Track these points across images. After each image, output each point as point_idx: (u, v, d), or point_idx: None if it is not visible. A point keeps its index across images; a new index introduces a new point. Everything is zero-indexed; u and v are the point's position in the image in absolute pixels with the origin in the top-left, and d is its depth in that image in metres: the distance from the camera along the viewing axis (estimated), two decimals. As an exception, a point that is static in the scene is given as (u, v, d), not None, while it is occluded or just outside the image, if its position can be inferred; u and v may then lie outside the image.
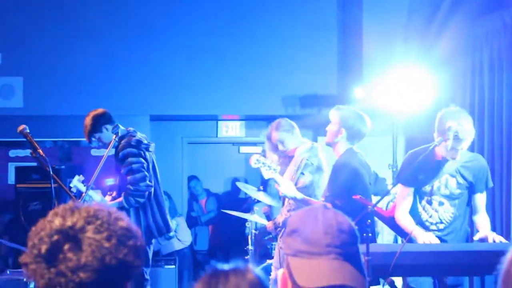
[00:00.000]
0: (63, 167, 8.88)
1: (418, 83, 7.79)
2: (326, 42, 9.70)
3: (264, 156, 5.63)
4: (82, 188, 6.18)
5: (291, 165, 6.17)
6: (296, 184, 5.86)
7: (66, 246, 1.68)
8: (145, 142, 6.58)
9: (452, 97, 7.87)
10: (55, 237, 1.69)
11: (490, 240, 5.02)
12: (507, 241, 5.16)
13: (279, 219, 6.26)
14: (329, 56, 9.71)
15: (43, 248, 1.69)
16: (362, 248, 4.15)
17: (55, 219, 1.73)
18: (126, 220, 1.81)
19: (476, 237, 5.16)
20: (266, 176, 5.66)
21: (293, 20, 9.63)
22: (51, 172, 5.13)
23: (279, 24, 9.63)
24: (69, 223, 1.71)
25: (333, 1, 9.74)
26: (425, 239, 5.01)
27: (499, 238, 5.05)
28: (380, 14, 8.95)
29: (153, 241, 6.75)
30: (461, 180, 5.27)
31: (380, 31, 8.82)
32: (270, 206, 8.57)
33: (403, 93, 7.85)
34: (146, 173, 6.41)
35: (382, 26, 8.86)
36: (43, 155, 5.21)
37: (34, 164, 8.18)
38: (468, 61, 7.95)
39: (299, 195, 5.63)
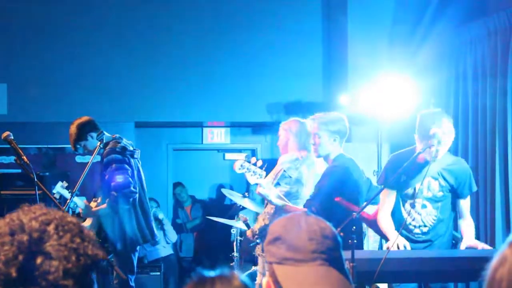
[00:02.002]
0: (47, 173, 8.84)
1: (403, 90, 7.82)
2: (311, 49, 9.73)
3: (249, 161, 5.59)
4: (66, 194, 6.16)
5: (272, 172, 6.16)
6: None
7: (39, 260, 1.59)
8: (130, 148, 6.57)
9: (436, 103, 7.90)
10: (21, 257, 1.58)
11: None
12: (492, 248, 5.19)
13: (256, 227, 6.25)
14: (314, 63, 9.74)
15: (13, 271, 1.57)
16: (347, 254, 4.18)
17: (5, 239, 1.61)
18: (67, 214, 1.73)
19: (462, 246, 5.18)
20: (251, 182, 5.62)
21: (278, 27, 9.66)
22: (36, 179, 5.11)
23: (264, 31, 9.65)
24: (25, 237, 1.61)
25: (318, 8, 9.77)
26: (395, 242, 5.02)
27: (484, 246, 5.09)
28: (364, 22, 8.98)
29: (138, 248, 6.73)
30: (443, 183, 5.29)
31: (365, 38, 8.85)
32: (248, 214, 8.59)
33: (388, 100, 7.89)
34: (130, 179, 6.39)
35: (367, 34, 8.89)
36: (28, 162, 5.18)
37: (19, 170, 8.15)
38: (452, 68, 8.00)
39: (277, 201, 5.62)
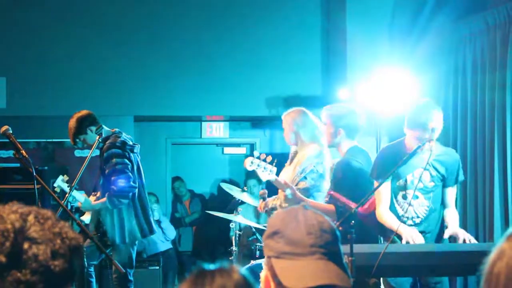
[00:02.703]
0: (46, 168, 8.84)
1: (402, 84, 7.82)
2: (310, 43, 9.72)
3: (258, 157, 5.56)
4: (66, 188, 6.15)
5: (295, 165, 6.12)
6: (296, 185, 5.84)
7: (26, 246, 1.63)
8: (130, 143, 6.57)
9: (435, 97, 7.90)
10: (8, 243, 1.62)
11: (461, 239, 5.06)
12: (475, 240, 5.20)
13: (270, 202, 6.25)
14: (313, 56, 9.73)
15: (1, 257, 1.61)
16: (345, 248, 4.18)
17: None
18: (38, 208, 1.77)
19: (446, 234, 5.19)
20: (263, 178, 5.57)
21: (277, 21, 9.64)
22: (34, 173, 5.10)
23: (263, 25, 9.63)
24: (8, 226, 1.65)
25: (317, 2, 9.76)
26: (409, 235, 5.01)
27: (468, 237, 5.08)
28: (363, 15, 8.98)
29: (137, 242, 6.73)
30: (434, 173, 5.30)
31: (364, 32, 8.85)
32: (247, 208, 8.58)
33: (387, 94, 7.89)
34: (130, 174, 6.40)
35: (366, 27, 8.89)
36: (26, 156, 5.18)
37: (17, 165, 8.14)
38: (451, 62, 7.99)
39: (299, 196, 5.62)
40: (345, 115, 5.68)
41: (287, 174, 6.12)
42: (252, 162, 5.52)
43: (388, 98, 7.91)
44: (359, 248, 4.56)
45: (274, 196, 6.29)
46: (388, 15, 9.03)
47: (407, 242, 5.00)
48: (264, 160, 5.53)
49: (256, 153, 5.66)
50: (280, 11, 9.68)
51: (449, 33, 8.09)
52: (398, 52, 8.56)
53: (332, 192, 5.49)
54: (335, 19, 9.46)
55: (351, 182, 5.49)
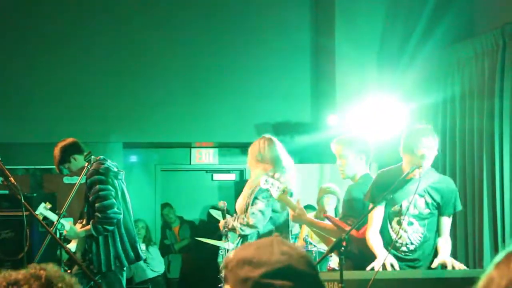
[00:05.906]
0: (35, 194, 8.80)
1: (391, 110, 7.84)
2: (299, 70, 9.76)
3: (272, 177, 5.66)
4: (50, 215, 6.14)
5: (247, 188, 6.30)
6: (252, 207, 6.02)
7: None
8: (114, 169, 6.56)
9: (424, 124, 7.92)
10: None
11: (449, 267, 5.04)
12: (466, 268, 5.18)
13: (230, 222, 6.33)
14: (303, 83, 9.77)
15: None
16: (335, 275, 4.16)
17: None
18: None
19: (435, 263, 5.15)
20: (276, 198, 5.69)
21: (266, 48, 9.68)
22: (23, 200, 5.08)
23: (252, 51, 9.67)
24: None
25: (307, 28, 9.81)
26: (383, 261, 4.98)
27: (458, 265, 5.06)
28: (353, 42, 9.02)
29: (125, 268, 6.69)
30: (429, 200, 5.27)
31: (353, 59, 8.89)
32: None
33: (376, 120, 7.91)
34: (114, 200, 6.38)
35: (355, 54, 8.93)
36: (15, 183, 5.15)
37: (6, 192, 8.11)
38: (440, 89, 8.02)
39: (308, 219, 5.68)
40: (362, 141, 5.74)
41: (240, 200, 6.26)
42: (266, 181, 5.63)
43: (377, 124, 7.92)
44: (349, 274, 4.54)
45: (234, 216, 6.36)
46: (377, 42, 9.07)
47: (383, 267, 4.97)
48: (278, 180, 5.61)
49: (270, 173, 5.74)
50: (270, 38, 9.71)
51: (438, 60, 8.13)
52: (387, 79, 8.59)
53: (327, 215, 5.52)
54: (324, 47, 9.49)
55: (359, 206, 5.51)
